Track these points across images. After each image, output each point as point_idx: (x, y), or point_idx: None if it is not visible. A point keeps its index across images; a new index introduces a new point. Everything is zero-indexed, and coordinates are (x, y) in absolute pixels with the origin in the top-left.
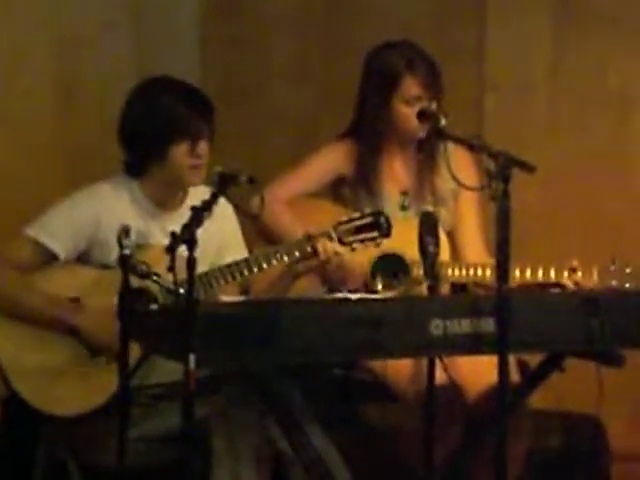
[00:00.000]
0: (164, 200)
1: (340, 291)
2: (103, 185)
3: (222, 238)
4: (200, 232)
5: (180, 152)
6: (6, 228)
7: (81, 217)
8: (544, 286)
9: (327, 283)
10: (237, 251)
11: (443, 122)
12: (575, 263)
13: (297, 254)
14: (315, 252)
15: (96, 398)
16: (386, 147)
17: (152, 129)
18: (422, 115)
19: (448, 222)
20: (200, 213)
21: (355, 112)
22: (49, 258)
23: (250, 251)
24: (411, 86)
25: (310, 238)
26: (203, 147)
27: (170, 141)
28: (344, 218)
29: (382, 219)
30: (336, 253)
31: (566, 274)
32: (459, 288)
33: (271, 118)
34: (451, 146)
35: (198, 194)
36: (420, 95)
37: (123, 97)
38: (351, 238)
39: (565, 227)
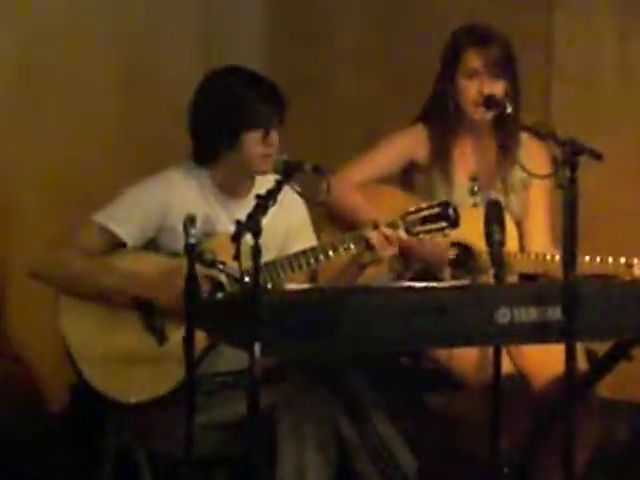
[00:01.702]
0: (232, 188)
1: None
2: (172, 172)
3: (291, 227)
4: (268, 220)
5: (252, 140)
6: (75, 216)
7: (149, 204)
8: (601, 277)
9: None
10: (306, 241)
11: (509, 109)
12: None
13: (364, 242)
14: (369, 246)
15: (163, 386)
16: (457, 131)
17: (226, 116)
18: (488, 101)
19: (518, 211)
20: (265, 201)
21: (430, 97)
22: (117, 244)
23: (318, 236)
24: (471, 58)
25: (376, 226)
26: (274, 136)
27: (243, 128)
28: (412, 208)
29: (450, 210)
30: (399, 241)
31: (636, 261)
32: (528, 279)
33: (337, 108)
34: (524, 135)
35: (266, 183)
36: (480, 68)
37: (189, 85)
38: (418, 228)
39: (632, 216)
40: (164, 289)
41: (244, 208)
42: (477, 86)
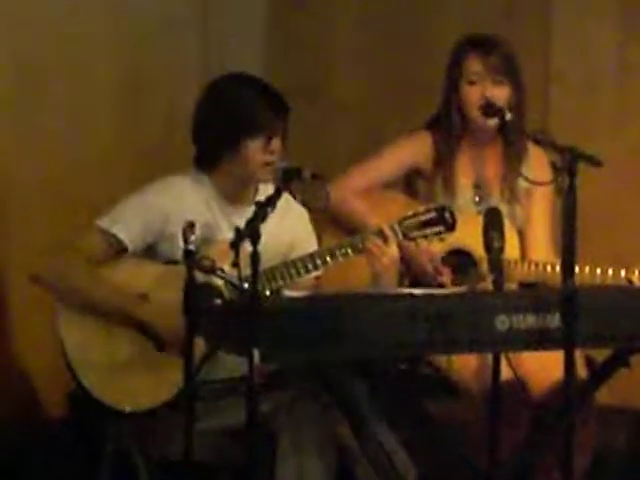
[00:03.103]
0: (234, 195)
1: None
2: (173, 179)
3: (294, 237)
4: (270, 229)
5: (254, 147)
6: (75, 221)
7: (151, 211)
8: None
9: (407, 276)
10: (309, 251)
11: (508, 116)
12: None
13: (361, 248)
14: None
15: (162, 394)
16: (462, 140)
17: (228, 122)
18: (486, 108)
19: (521, 220)
20: (264, 208)
21: (438, 105)
22: (119, 249)
23: (319, 241)
24: (472, 63)
25: (374, 231)
26: (277, 144)
27: (245, 135)
28: (409, 213)
29: (447, 213)
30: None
31: (637, 273)
32: (528, 287)
33: (336, 113)
34: (527, 142)
35: (270, 191)
36: (482, 73)
37: (188, 91)
38: (416, 233)
39: (632, 222)
40: (166, 326)
41: (245, 216)
42: (479, 91)
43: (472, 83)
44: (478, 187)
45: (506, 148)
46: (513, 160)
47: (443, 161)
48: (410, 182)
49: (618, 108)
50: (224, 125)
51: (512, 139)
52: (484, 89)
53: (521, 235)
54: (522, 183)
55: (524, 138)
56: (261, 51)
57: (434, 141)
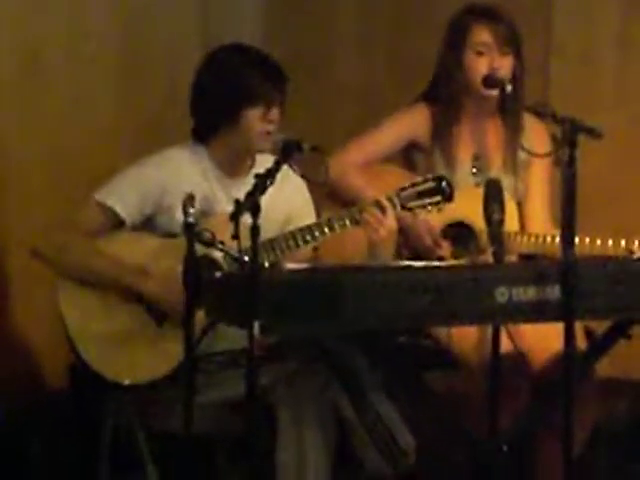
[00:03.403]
0: (232, 167)
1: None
2: (171, 151)
3: (291, 208)
4: (269, 201)
5: (253, 116)
6: (75, 194)
7: (148, 183)
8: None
9: (406, 248)
10: (306, 221)
11: (509, 88)
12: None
13: (359, 218)
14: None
15: (162, 366)
16: (461, 111)
17: (227, 92)
18: (487, 80)
19: (520, 192)
20: (263, 181)
21: (433, 76)
22: (116, 222)
23: (318, 216)
24: (479, 33)
25: (376, 202)
26: (275, 113)
27: (244, 104)
28: (406, 184)
29: (444, 183)
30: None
31: (637, 243)
32: (527, 259)
33: (336, 90)
34: (526, 114)
35: (266, 163)
36: (489, 43)
37: (187, 66)
38: (413, 203)
39: (631, 194)
40: (166, 297)
41: (243, 187)
42: (487, 62)
43: (479, 53)
44: (477, 159)
45: (505, 120)
46: (512, 132)
47: (442, 133)
48: (408, 155)
49: (618, 81)
50: (223, 95)
51: (512, 110)
52: (492, 59)
53: (521, 207)
54: (522, 155)
55: (523, 110)
56: (261, 26)
57: (432, 113)
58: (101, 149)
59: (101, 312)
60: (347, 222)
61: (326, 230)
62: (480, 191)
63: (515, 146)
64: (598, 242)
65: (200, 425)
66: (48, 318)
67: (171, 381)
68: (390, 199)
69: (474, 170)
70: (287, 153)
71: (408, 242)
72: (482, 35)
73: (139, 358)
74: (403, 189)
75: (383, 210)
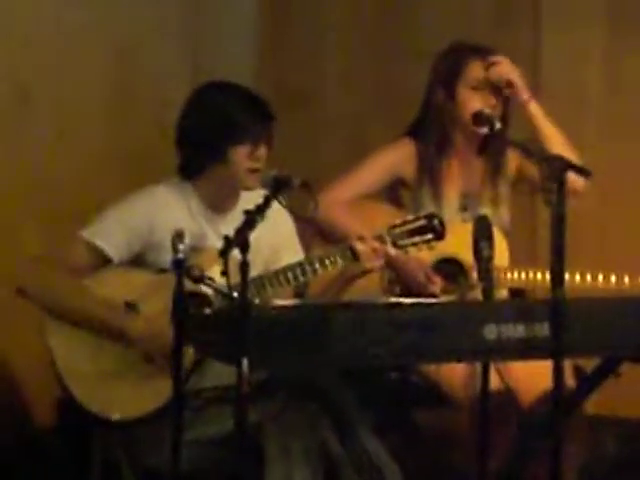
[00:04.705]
0: (218, 203)
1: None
2: (157, 187)
3: (277, 241)
4: (254, 235)
5: (240, 154)
6: (63, 231)
7: (135, 220)
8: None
9: (398, 285)
10: (292, 254)
11: (498, 125)
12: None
13: (350, 255)
14: (355, 257)
15: (151, 403)
16: (449, 148)
17: (214, 130)
18: (477, 117)
19: (508, 224)
20: (253, 217)
21: (420, 111)
22: (103, 260)
23: (307, 254)
24: (476, 68)
25: (363, 241)
26: (263, 151)
27: (231, 142)
28: (398, 221)
29: (436, 221)
30: (385, 254)
31: (627, 279)
32: (517, 294)
33: (324, 123)
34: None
35: (250, 197)
36: (484, 80)
37: (177, 102)
38: (405, 241)
39: (618, 233)
40: (154, 339)
41: (230, 223)
42: (482, 98)
43: (474, 89)
44: (465, 195)
45: (490, 156)
46: (496, 168)
47: (429, 170)
48: (394, 192)
49: (606, 120)
50: (209, 133)
51: (497, 146)
52: (486, 96)
53: (508, 238)
54: (506, 187)
55: (507, 145)
56: (250, 60)
57: (418, 149)
58: (88, 183)
59: (90, 347)
60: (339, 259)
61: (317, 267)
62: (469, 226)
63: (498, 180)
64: (588, 277)
65: (188, 462)
66: (36, 353)
67: (159, 417)
68: (381, 236)
69: (463, 207)
70: (277, 189)
71: (400, 279)
72: (477, 71)
73: (127, 394)
74: (394, 226)
75: (374, 248)
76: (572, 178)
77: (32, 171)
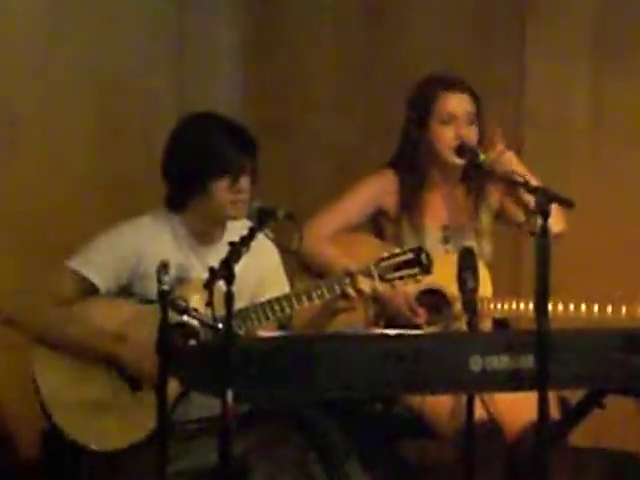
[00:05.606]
0: (204, 234)
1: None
2: (144, 218)
3: (262, 273)
4: (239, 266)
5: (221, 187)
6: (46, 263)
7: (122, 250)
8: None
9: (383, 317)
10: (278, 287)
11: (482, 157)
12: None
13: (338, 291)
14: (345, 295)
15: (135, 433)
16: (427, 180)
17: (194, 164)
18: (461, 149)
19: (490, 255)
20: (238, 248)
21: (398, 143)
22: (90, 290)
23: (292, 286)
24: (446, 103)
25: (350, 274)
26: (244, 183)
27: (211, 176)
28: (385, 254)
29: (423, 255)
30: (373, 290)
31: (610, 309)
32: (501, 325)
33: (313, 151)
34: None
35: (237, 228)
36: (457, 113)
37: (164, 132)
38: (392, 275)
39: (604, 262)
40: (141, 363)
41: (216, 254)
42: (453, 131)
43: (445, 123)
44: (446, 227)
45: (471, 187)
46: (476, 198)
47: (409, 202)
48: (376, 223)
49: (591, 150)
50: (190, 167)
51: (478, 178)
52: (459, 129)
53: (491, 270)
54: (488, 219)
55: (487, 176)
56: (238, 89)
57: (399, 180)
58: (73, 213)
59: (75, 377)
60: (326, 292)
61: (304, 300)
62: (451, 257)
63: (479, 212)
64: (571, 307)
65: None
66: (19, 384)
67: (144, 449)
68: (368, 270)
69: (444, 238)
70: (262, 221)
71: (384, 311)
72: (449, 105)
73: (112, 424)
74: (382, 260)
75: (361, 289)
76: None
77: (16, 203)
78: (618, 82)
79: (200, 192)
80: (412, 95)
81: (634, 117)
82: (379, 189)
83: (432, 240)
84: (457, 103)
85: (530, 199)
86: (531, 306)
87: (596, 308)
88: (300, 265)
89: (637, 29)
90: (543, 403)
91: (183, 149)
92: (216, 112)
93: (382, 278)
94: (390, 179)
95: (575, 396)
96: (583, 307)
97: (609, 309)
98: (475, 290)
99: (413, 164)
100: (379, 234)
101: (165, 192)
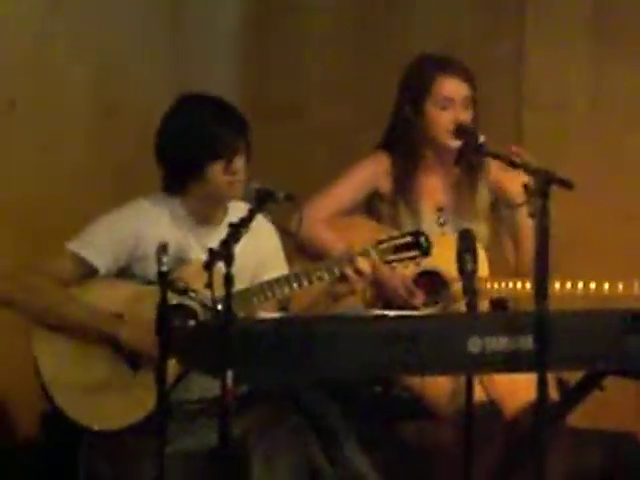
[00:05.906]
0: (205, 216)
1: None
2: (143, 201)
3: (262, 255)
4: (239, 248)
5: (216, 170)
6: (45, 247)
7: (122, 232)
8: None
9: (380, 299)
10: (277, 268)
11: (482, 139)
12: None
13: (337, 272)
14: (343, 276)
15: (135, 413)
16: (422, 162)
17: (187, 148)
18: (459, 131)
19: (487, 238)
20: (237, 229)
21: (389, 124)
22: (89, 272)
23: (290, 267)
24: (443, 86)
25: (349, 256)
26: (239, 163)
27: (205, 159)
28: (384, 237)
29: (422, 238)
30: (373, 269)
31: (607, 286)
32: (498, 305)
33: (309, 135)
34: (490, 160)
35: (239, 211)
36: (453, 97)
37: (160, 112)
38: (391, 257)
39: (603, 244)
40: (141, 342)
41: (216, 236)
42: (451, 115)
43: (443, 106)
44: (442, 209)
45: (468, 169)
46: (472, 180)
47: (404, 185)
48: (372, 205)
49: (590, 132)
50: (183, 150)
51: (474, 159)
52: (456, 113)
53: (488, 251)
54: (487, 200)
55: (484, 158)
56: (234, 71)
57: (393, 162)
58: (71, 197)
59: (75, 358)
60: (325, 275)
61: (304, 281)
62: (448, 239)
63: (474, 193)
64: (568, 285)
65: (171, 474)
66: (18, 367)
67: (144, 429)
68: (367, 252)
69: (441, 220)
70: (261, 202)
71: (381, 293)
72: (447, 90)
73: (112, 404)
74: (381, 242)
75: (360, 269)
76: None
77: (15, 188)
78: (617, 65)
79: (196, 176)
80: (406, 75)
81: (633, 100)
82: (373, 171)
83: (428, 222)
84: (454, 88)
85: (530, 180)
86: (528, 285)
87: (593, 285)
88: (297, 249)
89: (636, 12)
90: (542, 384)
91: (175, 133)
92: (205, 93)
93: (381, 260)
94: (383, 161)
95: (574, 377)
96: (580, 285)
97: (606, 286)
98: (474, 272)
99: (407, 146)
100: (375, 216)
101: (161, 176)
